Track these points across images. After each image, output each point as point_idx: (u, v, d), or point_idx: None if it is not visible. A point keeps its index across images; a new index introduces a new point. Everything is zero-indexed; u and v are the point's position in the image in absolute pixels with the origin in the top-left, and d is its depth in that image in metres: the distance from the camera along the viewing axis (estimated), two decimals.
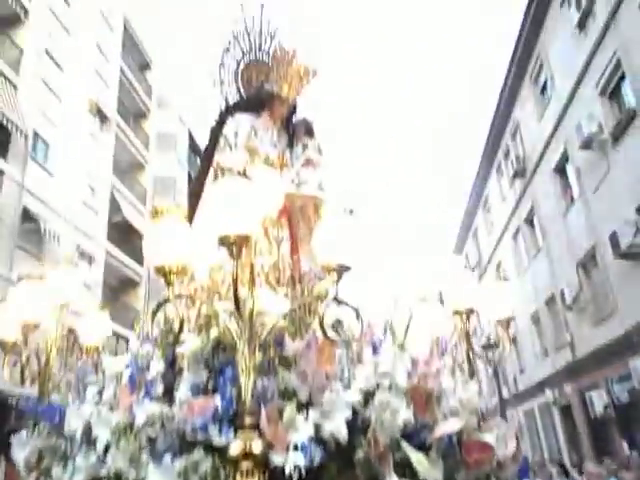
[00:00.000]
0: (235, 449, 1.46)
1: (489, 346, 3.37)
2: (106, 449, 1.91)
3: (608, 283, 12.91)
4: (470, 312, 2.71)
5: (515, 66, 17.33)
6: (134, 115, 25.78)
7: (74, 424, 2.12)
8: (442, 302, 2.87)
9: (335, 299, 1.66)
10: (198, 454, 1.49)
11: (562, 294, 15.81)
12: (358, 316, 1.72)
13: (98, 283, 19.88)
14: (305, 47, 3.21)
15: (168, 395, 1.86)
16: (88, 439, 2.06)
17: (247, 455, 1.45)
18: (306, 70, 3.08)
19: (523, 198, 18.75)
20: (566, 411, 16.66)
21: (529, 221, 18.80)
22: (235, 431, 1.54)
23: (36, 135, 17.71)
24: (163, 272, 1.68)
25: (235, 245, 1.55)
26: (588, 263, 14.39)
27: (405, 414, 1.81)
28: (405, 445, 1.77)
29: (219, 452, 1.51)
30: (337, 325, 1.70)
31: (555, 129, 15.12)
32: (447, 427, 2.00)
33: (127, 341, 2.75)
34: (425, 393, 2.03)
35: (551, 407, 17.79)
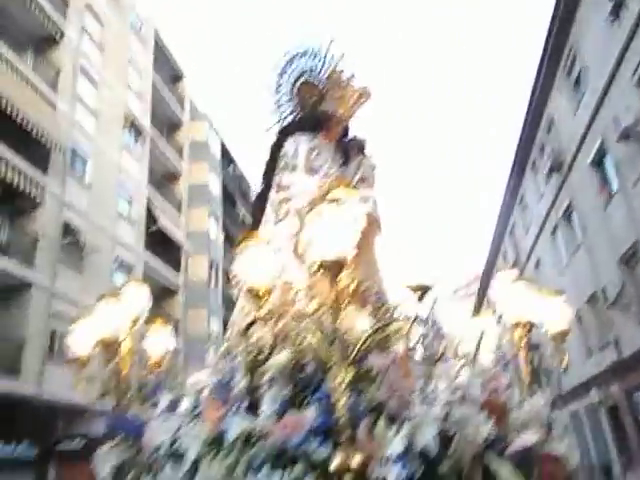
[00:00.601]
0: (336, 464, 1.53)
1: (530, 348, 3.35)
2: (194, 462, 2.00)
3: None
4: (531, 325, 2.73)
5: (547, 59, 17.07)
6: (168, 126, 26.29)
7: (160, 437, 2.22)
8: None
9: (419, 318, 1.72)
10: (299, 469, 1.56)
11: (604, 292, 15.48)
12: (440, 333, 1.77)
13: None
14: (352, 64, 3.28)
15: (252, 410, 1.94)
16: (174, 452, 2.16)
17: (347, 469, 1.52)
18: (363, 93, 3.16)
19: (560, 194, 18.42)
20: (613, 412, 16.26)
21: (567, 217, 18.46)
22: (333, 445, 1.61)
23: (74, 151, 18.22)
24: (255, 293, 1.77)
25: (333, 268, 1.62)
26: (630, 259, 14.06)
27: (487, 428, 1.85)
28: (492, 457, 1.81)
29: (318, 466, 1.58)
30: (422, 342, 1.75)
31: (591, 122, 14.81)
32: (525, 440, 2.03)
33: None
34: (499, 406, 2.07)
35: (597, 408, 17.38)
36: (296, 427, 1.65)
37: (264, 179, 3.04)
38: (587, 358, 17.83)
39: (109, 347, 2.68)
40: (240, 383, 2.05)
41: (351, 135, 3.33)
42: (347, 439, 1.58)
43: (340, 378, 1.61)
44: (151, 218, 22.54)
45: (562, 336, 2.93)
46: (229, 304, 30.45)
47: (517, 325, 2.67)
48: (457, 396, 1.98)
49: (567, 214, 18.37)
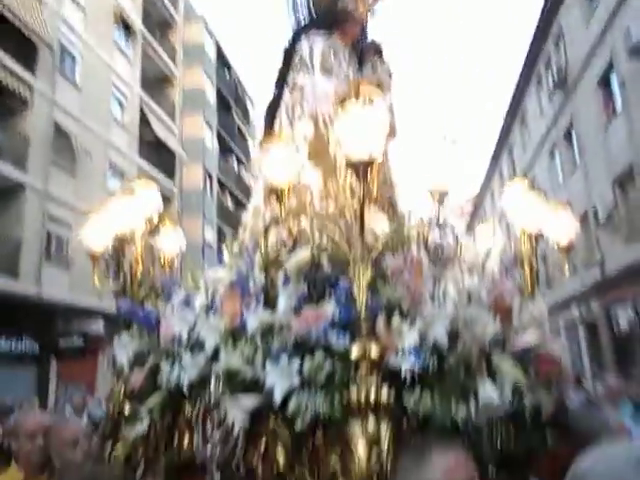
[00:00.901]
0: (355, 353, 1.63)
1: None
2: (214, 351, 2.11)
3: None
4: (539, 235, 2.79)
5: None
6: (160, 27, 25.06)
7: (178, 328, 2.32)
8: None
9: (437, 223, 1.76)
10: (319, 356, 1.66)
11: (595, 212, 15.67)
12: (457, 240, 1.82)
13: None
14: None
15: (268, 307, 2.02)
16: (192, 342, 2.27)
17: (366, 358, 1.62)
18: None
19: (562, 112, 18.13)
20: (591, 328, 16.98)
21: (567, 137, 18.29)
22: (351, 338, 1.70)
23: (63, 49, 17.49)
24: (276, 192, 1.79)
25: (362, 168, 1.64)
26: (625, 180, 14.13)
27: (493, 327, 1.96)
28: (496, 354, 1.93)
29: (337, 356, 1.68)
30: (438, 247, 1.80)
31: (601, 36, 14.29)
32: (526, 339, 2.15)
33: None
34: (504, 309, 2.17)
35: (577, 324, 18.11)
36: (316, 320, 1.74)
37: (277, 84, 2.95)
38: (572, 275, 18.35)
39: (123, 244, 2.72)
40: (257, 279, 2.12)
41: (368, 38, 3.20)
42: (366, 332, 1.67)
43: (360, 276, 1.67)
44: (145, 123, 22.06)
45: (567, 248, 3.02)
46: (224, 213, 30.59)
47: (525, 235, 2.73)
48: (465, 298, 2.07)
49: (567, 133, 18.19)
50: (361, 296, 1.68)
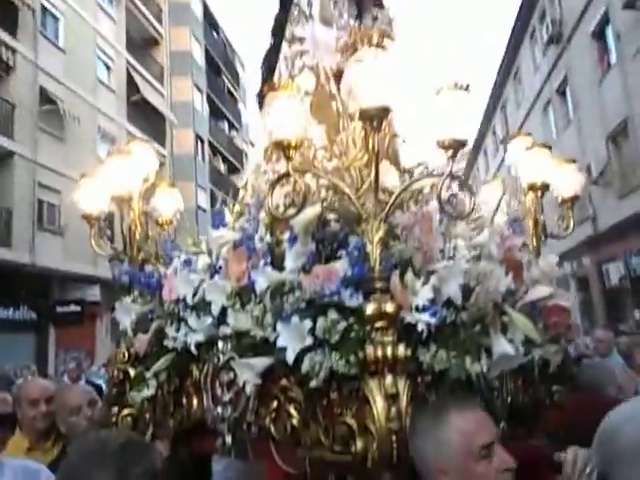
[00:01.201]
0: (371, 309, 1.59)
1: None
2: (221, 313, 2.07)
3: (638, 156, 12.69)
4: (545, 188, 2.74)
5: None
6: None
7: (183, 290, 2.27)
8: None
9: (451, 175, 1.69)
10: (333, 314, 1.62)
11: (588, 168, 15.64)
12: (471, 193, 1.77)
13: None
14: None
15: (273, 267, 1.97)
16: (197, 304, 2.23)
17: (381, 315, 1.58)
18: None
19: (557, 67, 17.87)
20: (583, 283, 17.16)
21: (561, 92, 18.08)
22: (364, 295, 1.66)
23: (44, 10, 16.94)
24: (282, 146, 1.71)
25: (376, 118, 1.56)
26: (619, 136, 14.06)
27: (505, 281, 1.93)
28: (508, 308, 1.90)
29: (351, 314, 1.64)
30: (452, 200, 1.75)
31: None
32: (538, 293, 2.13)
33: None
34: (516, 263, 2.14)
35: (568, 279, 18.29)
36: (328, 277, 1.69)
37: (274, 33, 2.83)
38: (564, 231, 18.40)
39: (121, 205, 2.63)
40: (263, 239, 2.06)
41: None
42: (380, 288, 1.63)
43: (373, 232, 1.62)
44: (132, 87, 21.60)
45: (572, 201, 2.99)
46: (216, 178, 30.31)
47: (531, 188, 2.68)
48: (476, 253, 2.04)
49: (561, 89, 17.98)
50: (374, 252, 1.63)
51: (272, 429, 1.85)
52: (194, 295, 2.24)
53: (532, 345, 2.03)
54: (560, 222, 3.10)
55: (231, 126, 35.65)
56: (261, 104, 2.97)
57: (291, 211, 1.71)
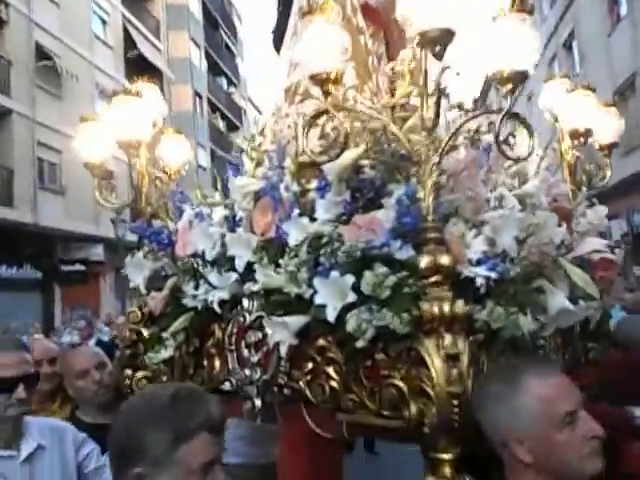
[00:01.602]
0: (425, 262, 1.42)
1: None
2: (246, 269, 1.91)
3: None
4: (588, 134, 2.55)
5: None
6: None
7: (202, 244, 2.10)
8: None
9: (509, 113, 1.50)
10: (381, 268, 1.45)
11: None
12: (530, 133, 1.57)
13: None
14: None
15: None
16: (217, 260, 2.06)
17: (437, 268, 1.42)
18: None
19: (564, 19, 17.30)
20: None
21: (568, 46, 17.55)
22: (414, 247, 1.50)
23: None
24: (319, 80, 1.51)
25: (439, 42, 1.36)
26: (626, 91, 13.67)
27: (559, 232, 1.77)
28: (564, 261, 1.74)
29: (402, 268, 1.48)
30: (508, 142, 1.55)
31: None
32: (591, 245, 1.98)
33: None
34: (565, 213, 1.98)
35: None
36: (371, 227, 1.52)
37: None
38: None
39: (129, 151, 2.41)
40: (289, 188, 1.88)
41: None
42: (434, 240, 1.45)
43: (427, 177, 1.44)
44: (129, 43, 21.01)
45: (610, 149, 2.82)
46: (216, 135, 29.83)
47: (573, 135, 2.49)
48: (526, 203, 1.86)
49: (568, 43, 17.44)
50: (427, 200, 1.45)
51: (307, 392, 1.70)
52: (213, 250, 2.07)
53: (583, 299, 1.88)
54: (596, 171, 2.90)
55: (229, 82, 34.91)
56: (276, 42, 2.74)
57: (332, 153, 1.51)
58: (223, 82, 33.75)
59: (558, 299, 1.62)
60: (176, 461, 1.15)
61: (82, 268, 15.69)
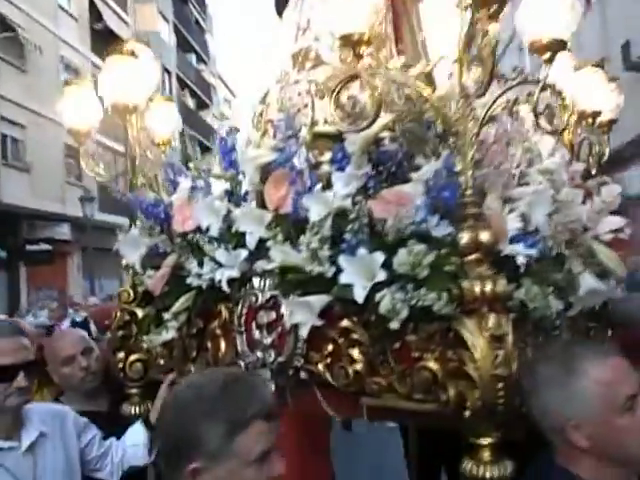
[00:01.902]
0: (465, 239, 1.35)
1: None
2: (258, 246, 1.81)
3: None
4: (597, 115, 2.50)
5: None
6: None
7: (206, 220, 1.99)
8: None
9: (546, 84, 1.43)
10: (417, 245, 1.38)
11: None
12: (565, 107, 1.51)
13: None
14: None
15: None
16: (222, 236, 1.96)
17: (477, 246, 1.35)
18: None
19: None
20: None
21: None
22: (450, 223, 1.42)
23: None
24: (351, 42, 1.40)
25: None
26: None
27: (586, 211, 1.73)
28: (589, 238, 1.70)
29: (440, 245, 1.40)
30: (548, 112, 1.49)
31: None
32: (611, 224, 1.94)
33: None
34: (588, 191, 1.94)
35: None
36: (400, 202, 1.43)
37: None
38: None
39: (124, 116, 2.25)
40: (306, 159, 1.78)
41: None
42: (473, 215, 1.38)
43: (467, 149, 1.36)
44: (95, 15, 20.29)
45: (609, 125, 2.78)
46: (184, 112, 29.14)
47: (581, 116, 2.44)
48: (548, 178, 1.81)
49: None
50: (467, 173, 1.37)
51: (327, 375, 1.63)
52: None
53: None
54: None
55: (199, 59, 34.14)
56: (278, 3, 2.59)
57: (363, 123, 1.42)
58: (192, 58, 32.98)
59: (587, 279, 1.58)
60: (233, 453, 1.09)
61: (48, 247, 15.22)
